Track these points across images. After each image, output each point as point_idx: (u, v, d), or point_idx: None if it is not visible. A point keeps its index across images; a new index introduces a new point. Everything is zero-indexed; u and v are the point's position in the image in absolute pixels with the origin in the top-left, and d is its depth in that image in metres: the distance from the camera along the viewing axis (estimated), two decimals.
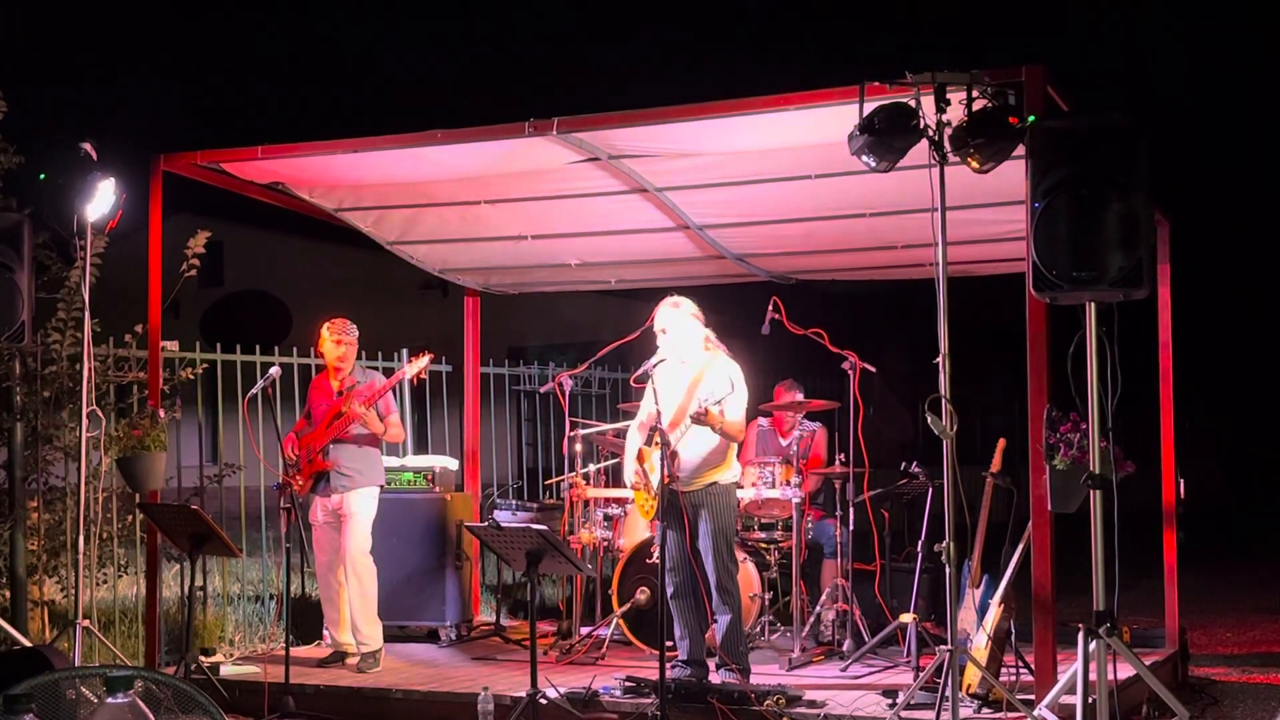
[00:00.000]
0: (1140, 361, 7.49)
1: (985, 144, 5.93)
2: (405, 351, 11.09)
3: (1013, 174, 6.12)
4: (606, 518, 9.12)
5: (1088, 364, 5.90)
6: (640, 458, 7.60)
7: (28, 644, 7.43)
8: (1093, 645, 5.74)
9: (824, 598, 8.77)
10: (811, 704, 6.88)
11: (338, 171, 8.38)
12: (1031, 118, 5.95)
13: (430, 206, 9.00)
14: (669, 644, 7.40)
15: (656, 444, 7.05)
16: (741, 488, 8.07)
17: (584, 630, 8.89)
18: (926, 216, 6.12)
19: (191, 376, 9.65)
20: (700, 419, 7.20)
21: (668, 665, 6.89)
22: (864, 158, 6.12)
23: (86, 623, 7.53)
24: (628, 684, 7.12)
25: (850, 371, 8.44)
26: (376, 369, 9.58)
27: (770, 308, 8.55)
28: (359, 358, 8.72)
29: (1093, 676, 5.75)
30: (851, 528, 8.60)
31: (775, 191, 8.23)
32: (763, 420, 9.61)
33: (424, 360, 8.41)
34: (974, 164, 6.01)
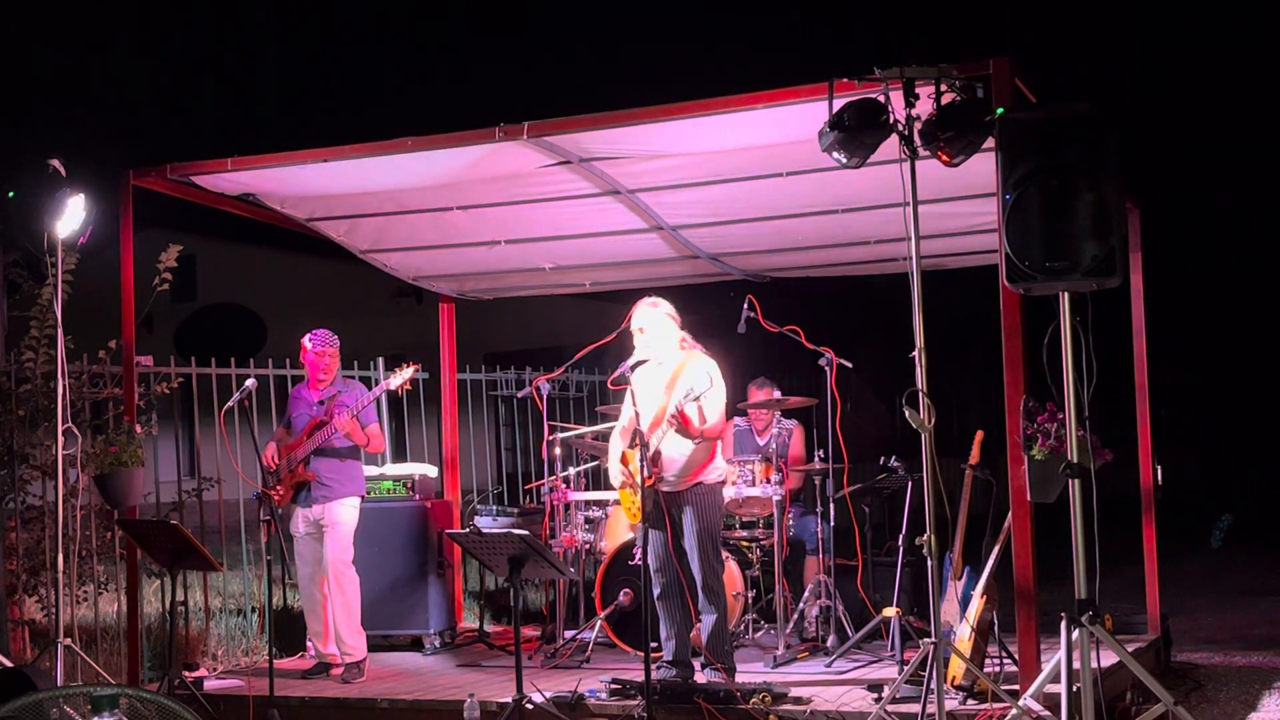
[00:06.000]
0: (1115, 350, 7.53)
1: (955, 137, 5.95)
2: (381, 360, 11.07)
3: (983, 167, 6.14)
4: (588, 521, 9.12)
5: (1063, 354, 5.93)
6: (624, 460, 7.61)
7: (9, 664, 7.38)
8: (1075, 634, 5.76)
9: (807, 594, 8.78)
10: (797, 701, 6.89)
11: (308, 182, 8.36)
12: (1000, 110, 5.98)
13: (402, 214, 8.98)
14: (654, 645, 7.40)
15: (638, 446, 7.05)
16: (725, 485, 8.08)
17: (568, 634, 8.89)
18: (899, 211, 6.15)
19: (167, 391, 9.62)
20: (679, 427, 7.21)
21: (653, 666, 6.89)
22: (835, 154, 6.14)
23: (68, 641, 7.49)
24: (613, 686, 7.12)
25: (827, 368, 8.46)
26: (354, 378, 9.56)
27: (746, 306, 8.56)
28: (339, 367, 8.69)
29: (1076, 665, 5.77)
30: (832, 523, 8.62)
31: (747, 190, 8.24)
32: (739, 420, 9.62)
33: (409, 371, 8.35)
34: (944, 158, 6.03)
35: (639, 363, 7.51)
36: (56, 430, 7.63)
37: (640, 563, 7.49)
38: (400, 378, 8.33)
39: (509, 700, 6.60)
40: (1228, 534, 16.39)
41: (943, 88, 5.98)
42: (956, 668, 6.68)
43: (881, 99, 6.04)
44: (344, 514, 8.33)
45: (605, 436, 8.84)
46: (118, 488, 7.79)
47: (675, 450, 7.39)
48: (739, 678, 7.33)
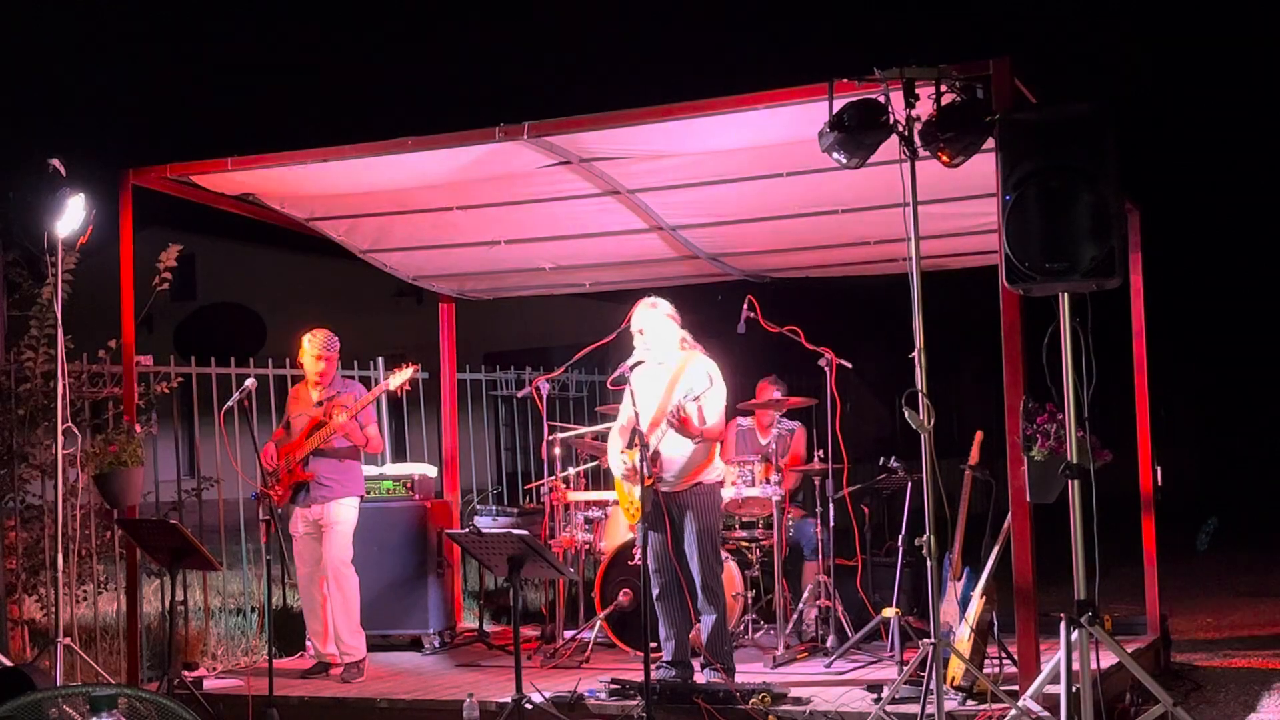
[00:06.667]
0: (1114, 351, 7.54)
1: (955, 138, 5.96)
2: (381, 360, 11.07)
3: (983, 167, 6.14)
4: (587, 521, 9.12)
5: (1062, 355, 5.93)
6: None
7: (9, 664, 7.38)
8: (1075, 634, 5.76)
9: (806, 595, 8.78)
10: (797, 701, 6.89)
11: (309, 181, 8.36)
12: (1000, 111, 5.98)
13: (402, 214, 8.98)
14: (653, 645, 7.40)
15: (637, 445, 7.05)
16: (723, 486, 8.07)
17: (568, 634, 8.89)
18: (898, 212, 6.15)
19: (167, 390, 9.62)
20: (677, 425, 7.21)
21: (652, 666, 6.89)
22: (835, 155, 6.14)
23: (68, 640, 7.49)
24: (613, 686, 7.12)
25: (827, 368, 8.46)
26: (353, 379, 9.55)
27: (745, 306, 8.56)
28: (337, 368, 8.68)
29: (1076, 666, 5.77)
30: (832, 524, 8.62)
31: (747, 190, 8.24)
32: (743, 419, 9.62)
33: (408, 371, 8.36)
34: (944, 158, 6.03)
35: (638, 363, 7.51)
36: (56, 430, 7.63)
37: (640, 563, 7.49)
38: (399, 378, 8.34)
39: (508, 700, 6.60)
40: (1216, 536, 16.40)
41: (943, 88, 5.99)
42: (956, 668, 6.67)
43: (881, 99, 6.04)
44: (343, 514, 8.33)
45: (605, 437, 8.84)
46: (117, 487, 7.78)
47: (674, 450, 7.39)
48: (738, 678, 7.34)
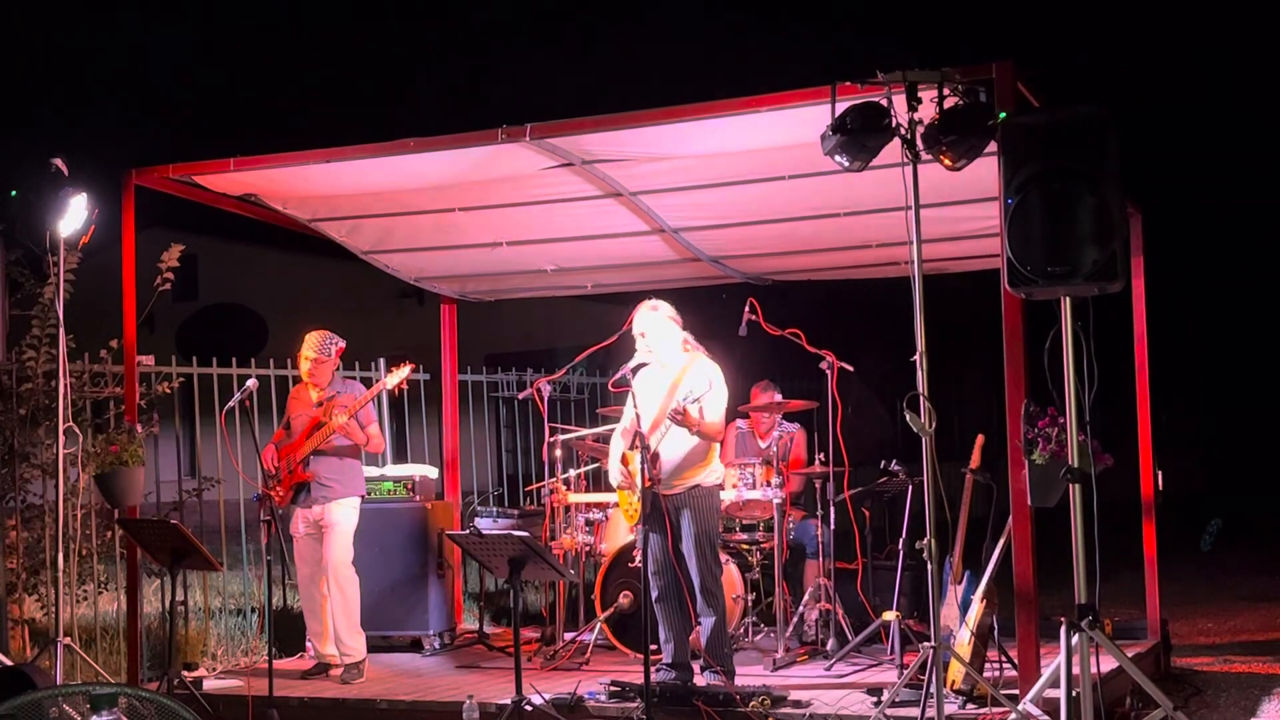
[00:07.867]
0: (1116, 354, 7.53)
1: (957, 141, 5.95)
2: (383, 361, 11.08)
3: (986, 170, 6.14)
4: (588, 523, 9.11)
5: (1064, 358, 5.93)
6: (624, 461, 7.61)
7: (9, 663, 7.38)
8: (1075, 639, 5.76)
9: (807, 597, 8.77)
10: (796, 704, 6.88)
11: (311, 182, 8.36)
12: (1003, 114, 5.98)
13: (404, 215, 8.98)
14: (653, 647, 7.40)
15: (638, 448, 7.05)
16: (723, 489, 8.07)
17: (568, 636, 8.88)
18: (900, 215, 6.14)
19: (168, 390, 9.62)
20: (678, 420, 7.21)
21: (652, 669, 6.89)
22: (837, 158, 6.14)
23: (68, 640, 7.50)
24: (613, 688, 7.12)
25: (828, 371, 8.46)
26: (354, 379, 9.56)
27: (747, 309, 8.56)
28: (338, 368, 8.68)
29: (1076, 670, 5.77)
30: (833, 527, 8.62)
31: (749, 193, 8.24)
32: (740, 422, 9.62)
33: (405, 370, 8.38)
34: (947, 161, 6.03)
35: (640, 365, 7.51)
36: (57, 429, 7.63)
37: (640, 565, 7.48)
38: (396, 377, 8.36)
39: (508, 702, 6.60)
40: (1218, 538, 16.39)
41: (945, 91, 5.99)
42: (956, 672, 6.67)
43: (884, 102, 6.04)
44: (344, 514, 8.32)
45: (606, 439, 8.85)
46: (118, 487, 7.79)
47: (670, 451, 7.38)
48: (738, 680, 7.33)
